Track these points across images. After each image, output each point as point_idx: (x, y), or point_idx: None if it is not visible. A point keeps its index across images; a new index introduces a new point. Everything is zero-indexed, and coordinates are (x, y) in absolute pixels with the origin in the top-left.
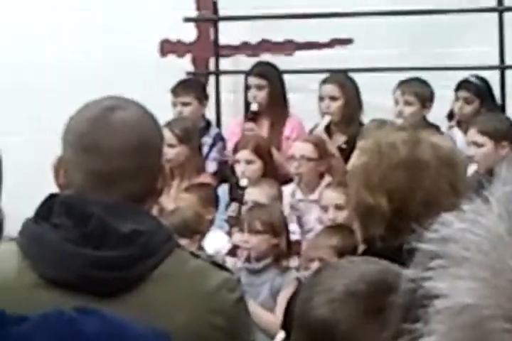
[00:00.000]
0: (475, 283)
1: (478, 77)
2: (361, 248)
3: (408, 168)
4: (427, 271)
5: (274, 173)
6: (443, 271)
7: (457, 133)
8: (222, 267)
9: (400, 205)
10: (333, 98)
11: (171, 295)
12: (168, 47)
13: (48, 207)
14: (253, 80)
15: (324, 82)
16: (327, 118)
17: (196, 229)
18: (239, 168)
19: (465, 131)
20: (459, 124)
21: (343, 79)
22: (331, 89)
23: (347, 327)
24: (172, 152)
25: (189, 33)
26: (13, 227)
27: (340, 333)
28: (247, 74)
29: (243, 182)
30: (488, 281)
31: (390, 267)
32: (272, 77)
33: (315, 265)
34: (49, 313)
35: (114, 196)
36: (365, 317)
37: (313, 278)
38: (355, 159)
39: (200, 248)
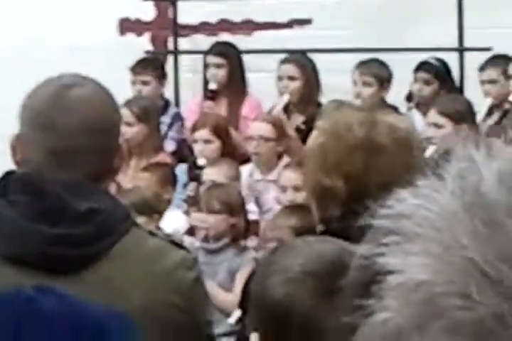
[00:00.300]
0: (428, 259)
1: (437, 59)
2: (319, 228)
3: (364, 150)
4: (380, 247)
5: (232, 153)
6: (396, 247)
7: (416, 115)
8: (179, 246)
9: (357, 187)
10: (291, 78)
11: (128, 274)
12: (127, 26)
13: (4, 185)
14: (212, 59)
15: (283, 62)
16: (285, 98)
17: (155, 208)
18: (197, 148)
19: (424, 113)
20: (418, 106)
21: (301, 60)
22: (289, 69)
23: (303, 307)
24: (130, 131)
25: (148, 12)
26: None
27: (296, 313)
28: (207, 53)
29: (201, 161)
30: (440, 257)
31: (345, 247)
32: (231, 56)
33: (273, 245)
34: (7, 291)
35: (71, 174)
36: (321, 297)
37: (268, 257)
38: (311, 140)
39: (158, 227)
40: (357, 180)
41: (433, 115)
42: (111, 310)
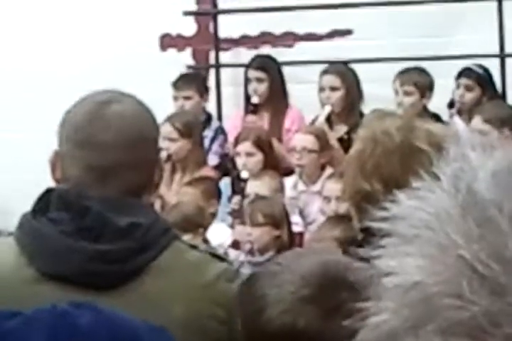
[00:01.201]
0: (423, 260)
1: (479, 66)
2: (359, 236)
3: (402, 154)
4: (377, 250)
5: (275, 165)
6: (393, 248)
7: (458, 122)
8: (220, 258)
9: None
10: (333, 88)
11: (168, 287)
12: (168, 42)
13: (45, 202)
14: (253, 73)
15: (325, 72)
16: (328, 109)
17: (198, 223)
18: (240, 161)
19: (465, 120)
20: (460, 112)
21: (343, 70)
22: (331, 79)
23: (310, 332)
24: (174, 146)
25: (189, 27)
26: (12, 223)
27: (306, 339)
28: (247, 67)
29: (244, 174)
30: (435, 258)
31: (326, 258)
32: (272, 70)
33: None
34: (41, 307)
35: (111, 190)
36: (325, 318)
37: (252, 288)
38: (353, 148)
39: (205, 241)
40: (395, 184)
41: (477, 122)
42: (150, 325)
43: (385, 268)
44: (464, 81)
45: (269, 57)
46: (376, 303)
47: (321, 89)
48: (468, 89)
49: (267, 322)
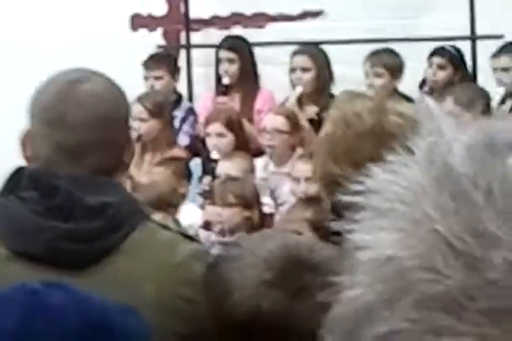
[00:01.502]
0: (397, 234)
1: (452, 47)
2: (330, 218)
3: (374, 137)
4: (351, 224)
5: (245, 146)
6: (367, 222)
7: (429, 101)
8: (191, 238)
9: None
10: (304, 69)
11: (139, 267)
12: (139, 22)
13: (15, 181)
14: (224, 54)
15: (296, 53)
16: (298, 90)
17: (171, 203)
18: (210, 142)
19: (436, 99)
20: (431, 92)
21: (314, 51)
22: (302, 60)
23: (276, 315)
24: (144, 126)
25: (160, 7)
26: None
27: (272, 322)
28: (218, 47)
29: (215, 155)
30: (409, 232)
31: (288, 240)
32: (243, 51)
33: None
34: (13, 287)
35: (81, 169)
36: (289, 301)
37: (216, 273)
38: (323, 130)
39: (176, 220)
40: (366, 167)
41: (449, 104)
42: (119, 304)
43: (359, 242)
44: (436, 59)
45: (240, 38)
46: (350, 277)
47: (292, 70)
48: (440, 67)
49: (233, 306)
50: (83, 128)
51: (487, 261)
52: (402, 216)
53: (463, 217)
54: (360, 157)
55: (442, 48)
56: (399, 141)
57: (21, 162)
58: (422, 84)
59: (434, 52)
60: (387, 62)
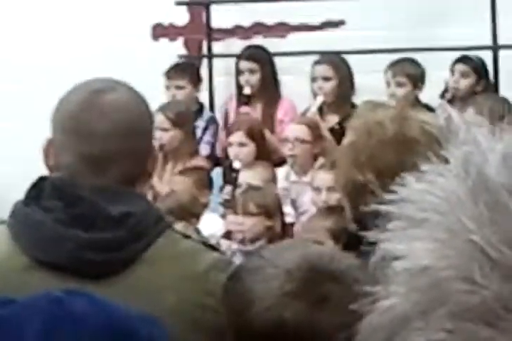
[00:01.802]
0: (432, 244)
1: (475, 56)
2: (352, 227)
3: (396, 145)
4: (386, 233)
5: (267, 156)
6: (401, 232)
7: (450, 109)
8: (213, 248)
9: (390, 182)
10: (326, 78)
11: (161, 277)
12: (160, 31)
13: (38, 190)
14: (244, 64)
15: (317, 62)
16: (320, 99)
17: (192, 212)
18: (232, 151)
19: (458, 108)
20: (452, 101)
21: (336, 60)
22: (324, 69)
23: (298, 326)
24: (166, 136)
25: (181, 17)
26: (5, 211)
27: (294, 332)
28: (238, 58)
29: (236, 164)
30: (445, 242)
31: (309, 250)
32: (263, 61)
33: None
34: (36, 295)
35: (104, 179)
36: (311, 311)
37: (237, 284)
38: (345, 139)
39: (197, 230)
40: (390, 175)
41: (470, 114)
42: (142, 313)
43: (393, 252)
44: (460, 67)
45: (261, 48)
46: (385, 287)
47: (314, 79)
48: (463, 75)
49: (254, 318)
50: (107, 138)
51: None
52: (438, 226)
53: (499, 227)
54: (383, 164)
55: (466, 57)
56: (425, 148)
57: (44, 172)
58: (444, 93)
59: (458, 60)
60: (409, 71)
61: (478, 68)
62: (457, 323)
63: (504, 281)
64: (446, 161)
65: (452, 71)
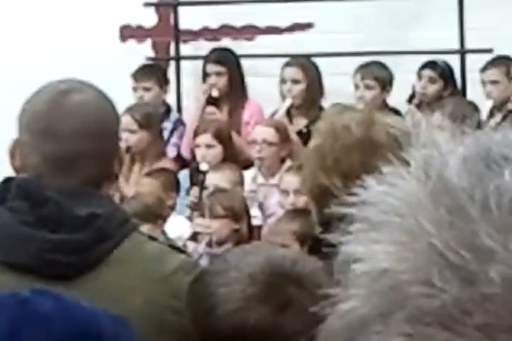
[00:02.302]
0: (393, 246)
1: (442, 61)
2: (318, 230)
3: (362, 149)
4: (346, 236)
5: (234, 158)
6: (362, 234)
7: (417, 114)
8: (179, 250)
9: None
10: (295, 81)
11: (127, 279)
12: (128, 33)
13: (4, 191)
14: (212, 67)
15: (287, 64)
16: (288, 101)
17: (158, 214)
18: (199, 153)
19: (425, 112)
20: (419, 106)
21: (306, 63)
22: (293, 72)
23: (262, 329)
24: (133, 137)
25: (149, 18)
26: None
27: (258, 336)
28: (205, 60)
29: (204, 166)
30: (405, 245)
31: (272, 254)
32: (230, 63)
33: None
34: (2, 294)
35: (70, 180)
36: (275, 314)
37: (201, 287)
38: (311, 142)
39: (163, 232)
40: (354, 178)
41: (437, 118)
42: (108, 313)
43: (353, 255)
44: (427, 72)
45: (228, 50)
46: (345, 290)
47: (283, 82)
48: (431, 81)
49: (217, 321)
50: (73, 139)
51: (483, 276)
52: (398, 228)
53: (459, 230)
54: (349, 168)
55: (433, 62)
56: (390, 152)
57: (10, 172)
58: (411, 97)
59: (425, 66)
60: (378, 74)
61: (445, 74)
62: (416, 327)
63: (463, 285)
64: (408, 164)
65: (419, 76)
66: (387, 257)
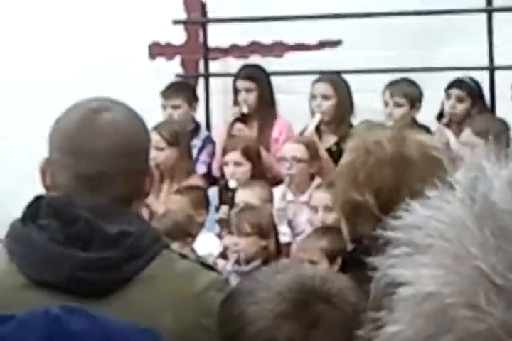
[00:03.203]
0: (438, 270)
1: (469, 78)
2: (349, 247)
3: (394, 165)
4: (391, 259)
5: (263, 175)
6: (407, 258)
7: (448, 133)
8: (210, 267)
9: (387, 202)
10: (325, 97)
11: (157, 296)
12: (157, 50)
13: (34, 209)
14: (242, 83)
15: (318, 80)
16: (318, 117)
17: (188, 232)
18: (228, 170)
19: (455, 131)
20: (449, 124)
21: (336, 79)
22: (324, 87)
23: None
24: (161, 155)
25: (178, 36)
26: (1, 230)
27: None
28: (235, 77)
29: (232, 184)
30: (450, 268)
31: (302, 272)
32: (260, 80)
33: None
34: (35, 312)
35: (101, 198)
36: (304, 332)
37: (230, 307)
38: (343, 159)
39: (192, 249)
40: (387, 195)
41: (467, 135)
42: (141, 328)
43: (398, 278)
44: (455, 92)
45: (258, 67)
46: (390, 313)
47: (313, 97)
48: (459, 100)
49: (248, 340)
50: (104, 158)
51: None
52: (444, 252)
53: (505, 253)
54: (381, 184)
55: (461, 80)
56: (422, 168)
57: (41, 191)
58: (440, 115)
59: (453, 84)
60: (408, 92)
61: (474, 92)
62: None
63: (509, 308)
64: (451, 187)
65: (447, 95)
66: (432, 281)
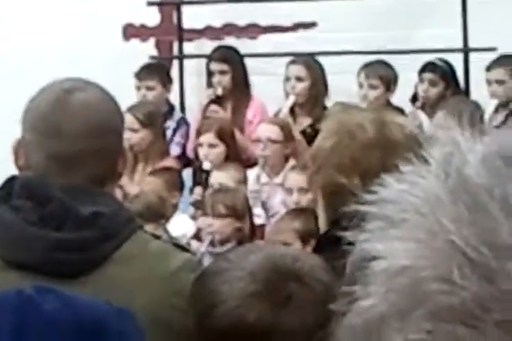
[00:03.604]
0: (412, 244)
1: (442, 60)
2: (323, 229)
3: (380, 147)
4: (365, 233)
5: (237, 157)
6: (381, 232)
7: (421, 116)
8: (183, 248)
9: (373, 184)
10: (299, 79)
11: (131, 277)
12: (131, 32)
13: (7, 190)
14: (216, 65)
15: (292, 62)
16: (292, 99)
17: (160, 213)
18: (202, 152)
19: (429, 114)
20: (423, 107)
21: (310, 61)
22: (298, 69)
23: (262, 326)
24: (135, 136)
25: (152, 17)
26: None
27: (258, 333)
28: (209, 59)
29: (206, 165)
30: (424, 242)
31: (273, 252)
32: (234, 62)
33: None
34: (7, 292)
35: (75, 178)
36: (275, 311)
37: (203, 286)
38: (320, 141)
39: (165, 230)
40: (373, 177)
41: (441, 117)
42: (114, 307)
43: (372, 252)
44: (428, 75)
45: (232, 49)
46: (363, 287)
47: (287, 79)
48: (432, 84)
49: (219, 318)
50: (77, 138)
51: (503, 273)
52: (417, 226)
53: (479, 228)
54: (367, 167)
55: (433, 64)
56: (408, 151)
57: (14, 171)
58: (414, 98)
59: (425, 68)
60: (382, 74)
61: (447, 75)
62: (436, 324)
63: (483, 282)
64: (427, 162)
65: (420, 79)
66: (406, 254)
